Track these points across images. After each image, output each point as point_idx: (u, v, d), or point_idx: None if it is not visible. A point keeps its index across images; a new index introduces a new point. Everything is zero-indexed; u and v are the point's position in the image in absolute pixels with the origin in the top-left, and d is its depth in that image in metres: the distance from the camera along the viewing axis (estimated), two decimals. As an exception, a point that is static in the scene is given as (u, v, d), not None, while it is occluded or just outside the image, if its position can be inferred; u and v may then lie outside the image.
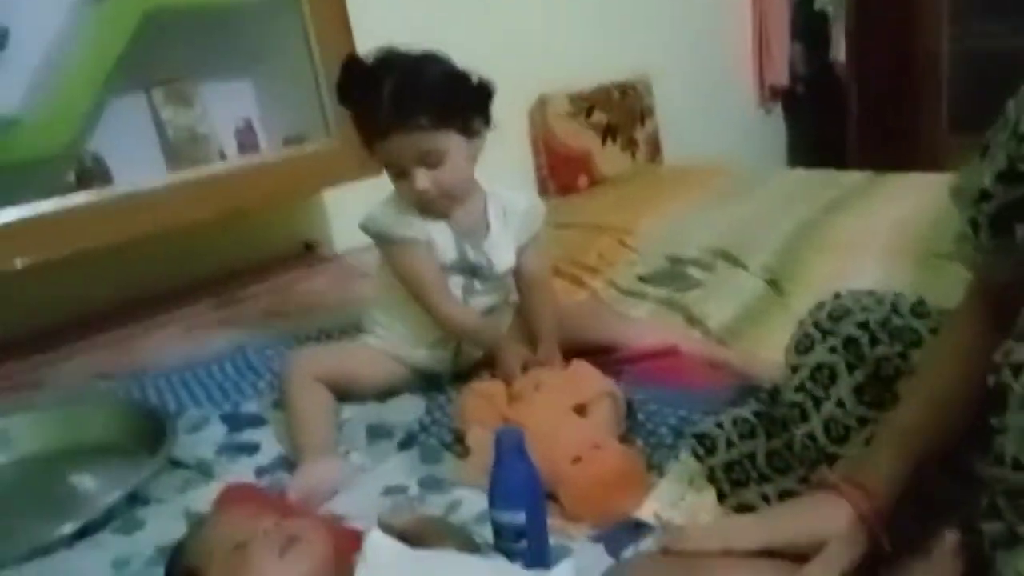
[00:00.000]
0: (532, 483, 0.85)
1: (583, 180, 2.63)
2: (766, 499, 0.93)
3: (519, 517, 0.83)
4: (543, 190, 2.60)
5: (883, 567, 0.81)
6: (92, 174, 1.69)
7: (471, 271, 1.31)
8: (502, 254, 1.33)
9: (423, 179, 1.21)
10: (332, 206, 2.19)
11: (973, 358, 0.77)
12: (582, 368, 1.19)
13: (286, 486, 1.10)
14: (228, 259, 2.04)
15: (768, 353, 1.36)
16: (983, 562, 0.69)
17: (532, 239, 1.37)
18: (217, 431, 1.29)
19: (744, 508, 0.93)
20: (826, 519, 0.75)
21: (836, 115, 3.34)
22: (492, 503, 0.85)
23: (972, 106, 3.20)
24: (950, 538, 0.71)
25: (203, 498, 1.10)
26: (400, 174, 1.23)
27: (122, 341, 1.74)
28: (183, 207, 1.70)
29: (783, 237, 1.89)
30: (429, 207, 1.26)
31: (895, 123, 3.25)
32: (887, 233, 1.84)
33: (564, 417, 1.06)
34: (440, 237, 1.29)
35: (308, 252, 2.19)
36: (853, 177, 2.32)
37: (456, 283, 1.31)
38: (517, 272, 1.38)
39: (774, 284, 1.66)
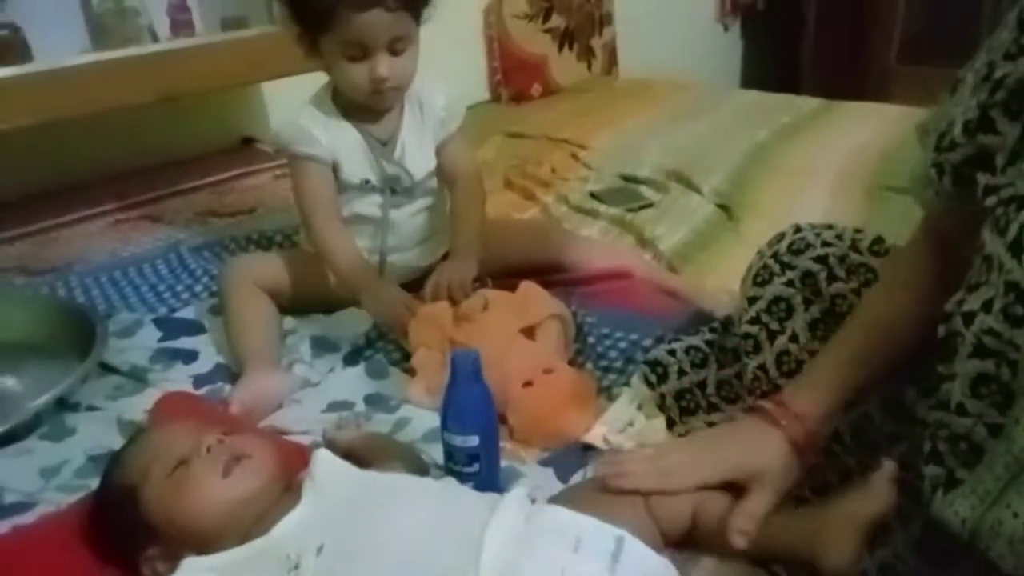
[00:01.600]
0: (486, 407, 0.83)
1: (536, 88, 2.56)
2: (712, 427, 0.95)
3: (472, 441, 0.82)
4: (495, 96, 2.52)
5: (820, 496, 0.84)
6: (9, 47, 1.54)
7: (389, 185, 1.24)
8: (417, 159, 1.25)
9: (385, 65, 1.14)
10: (272, 98, 2.07)
11: (915, 294, 0.78)
12: (531, 290, 1.17)
13: (228, 398, 1.06)
14: (158, 150, 1.92)
15: (717, 278, 1.37)
16: (920, 501, 0.72)
17: (451, 136, 1.28)
18: (150, 336, 1.23)
19: (692, 436, 0.94)
20: (760, 448, 0.76)
21: (793, 36, 3.30)
22: (445, 426, 0.83)
23: (924, 38, 3.21)
24: (888, 466, 0.73)
25: (137, 406, 1.06)
26: (358, 57, 1.14)
27: (40, 234, 1.64)
28: (108, 89, 1.57)
29: (736, 161, 1.88)
30: (375, 99, 1.18)
31: (849, 48, 3.24)
32: (838, 162, 1.84)
33: (513, 340, 1.04)
34: (352, 154, 1.21)
35: (246, 147, 2.08)
36: (807, 103, 2.31)
37: (375, 200, 1.24)
38: (441, 173, 1.30)
39: (726, 209, 1.66)
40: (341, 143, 1.21)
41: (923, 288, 0.78)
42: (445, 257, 1.29)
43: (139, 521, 0.76)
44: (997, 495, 0.64)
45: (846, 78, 3.12)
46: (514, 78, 2.52)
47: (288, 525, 0.73)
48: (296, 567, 0.69)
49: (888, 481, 0.72)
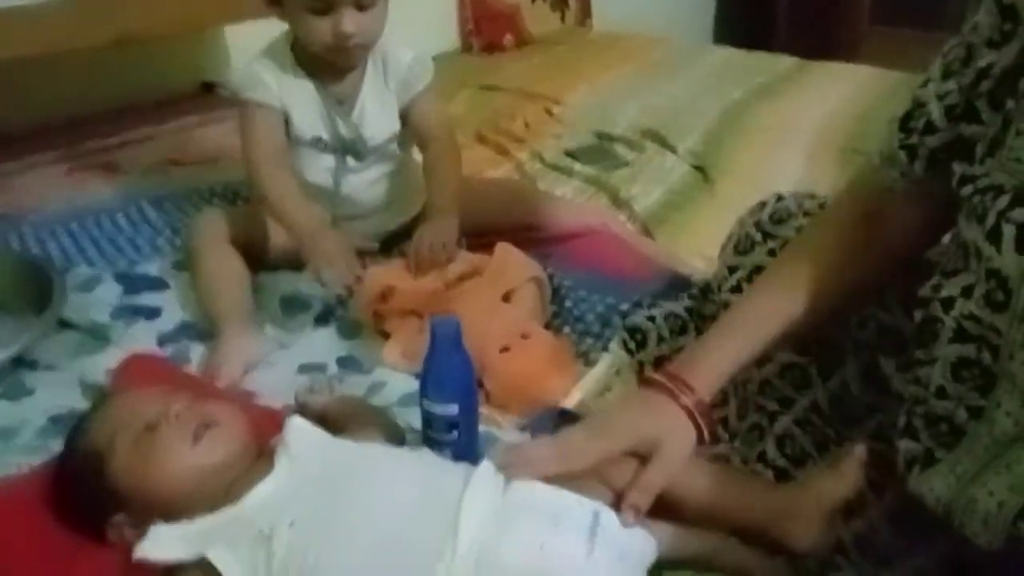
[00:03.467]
0: (467, 375, 0.82)
1: (509, 39, 2.49)
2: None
3: (452, 409, 0.80)
4: (467, 47, 2.45)
5: (797, 466, 0.84)
6: (-47, -17, 1.44)
7: (342, 147, 1.19)
8: (376, 122, 1.19)
9: (350, 21, 1.07)
10: (234, 42, 1.98)
11: (830, 260, 0.77)
12: (508, 253, 1.14)
13: (204, 364, 1.03)
14: (114, 95, 1.83)
15: (691, 240, 1.37)
16: (895, 474, 0.72)
17: (419, 95, 1.21)
18: (111, 291, 1.19)
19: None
20: (656, 418, 0.75)
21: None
22: (424, 394, 0.82)
23: (896, 0, 3.20)
24: (858, 450, 0.73)
25: (99, 365, 1.02)
26: (322, 11, 1.07)
27: (-10, 179, 1.56)
28: (62, 31, 1.49)
29: (711, 121, 1.86)
30: (337, 56, 1.12)
31: (823, 8, 3.21)
32: (813, 125, 1.83)
33: (493, 306, 1.03)
34: (305, 108, 1.15)
35: (207, 94, 2.00)
36: (782, 62, 2.29)
37: (326, 164, 1.19)
38: (411, 134, 1.24)
39: (701, 171, 1.64)
40: (294, 95, 1.15)
41: (836, 254, 0.77)
42: (412, 222, 1.25)
43: (105, 488, 0.73)
44: (974, 474, 0.65)
45: (819, 37, 3.11)
46: (486, 28, 2.46)
47: (260, 495, 0.71)
48: (269, 539, 0.67)
49: (858, 465, 0.72)
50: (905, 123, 0.70)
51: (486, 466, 0.74)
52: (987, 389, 0.63)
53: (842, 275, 0.76)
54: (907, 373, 0.73)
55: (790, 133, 1.81)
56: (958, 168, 0.65)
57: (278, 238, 1.20)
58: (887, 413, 0.77)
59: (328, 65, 1.14)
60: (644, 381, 0.79)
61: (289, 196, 1.12)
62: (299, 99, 1.15)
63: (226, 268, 1.13)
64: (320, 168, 1.19)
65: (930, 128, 0.69)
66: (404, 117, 1.22)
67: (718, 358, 0.76)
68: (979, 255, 0.62)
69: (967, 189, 0.64)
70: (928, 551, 0.72)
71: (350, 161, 1.21)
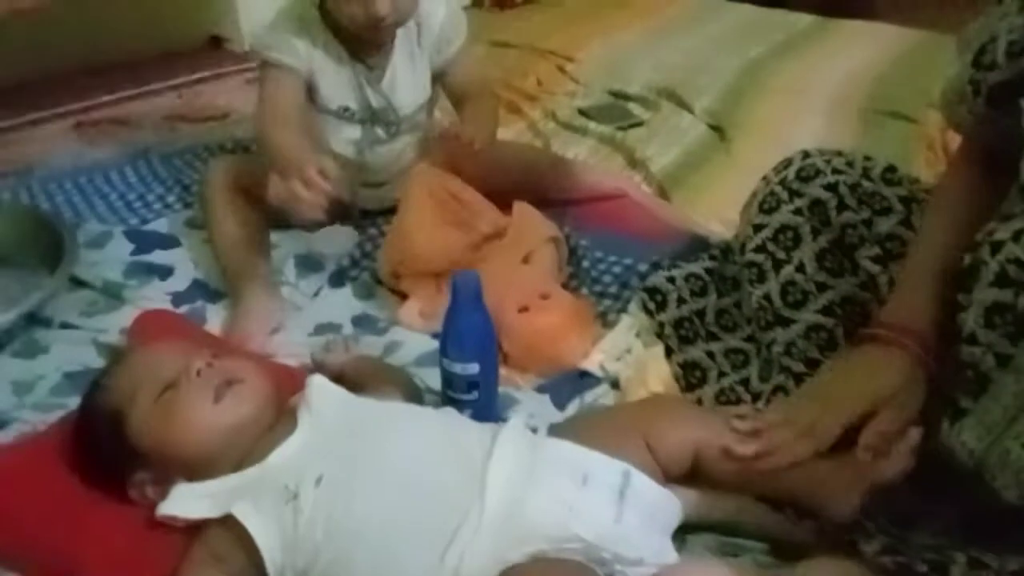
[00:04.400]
0: (487, 334, 0.81)
1: (520, -7, 2.43)
2: (711, 356, 0.93)
3: (472, 368, 0.80)
4: (477, 2, 2.39)
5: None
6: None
7: (371, 118, 1.15)
8: (408, 91, 1.16)
9: (384, 3, 1.03)
10: (241, -5, 1.94)
11: (970, 222, 0.74)
12: (525, 213, 1.12)
13: (228, 331, 1.01)
14: (120, 47, 1.80)
15: (709, 202, 1.34)
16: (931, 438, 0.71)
17: (454, 55, 1.17)
18: (122, 249, 1.17)
19: (690, 365, 0.93)
20: (887, 372, 0.74)
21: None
22: (444, 352, 0.81)
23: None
24: (913, 433, 0.72)
25: (114, 324, 1.02)
26: None
27: (-1, 133, 1.54)
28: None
29: (729, 79, 1.82)
30: (371, 34, 1.09)
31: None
32: (832, 84, 1.79)
33: (512, 267, 1.01)
34: (334, 75, 1.11)
35: (214, 47, 1.96)
36: (801, 19, 2.23)
37: (351, 135, 1.15)
38: (448, 92, 1.21)
39: (718, 130, 1.61)
40: (323, 61, 1.10)
41: (976, 214, 0.74)
42: None
43: (126, 446, 0.73)
44: (1005, 426, 0.64)
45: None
46: (497, -18, 2.40)
47: (285, 453, 0.71)
48: (295, 497, 0.67)
49: (910, 447, 0.71)
50: (978, 58, 0.68)
51: (515, 423, 0.74)
52: (1017, 337, 0.62)
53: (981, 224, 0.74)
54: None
55: (809, 93, 1.76)
56: None
57: None
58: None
59: (359, 38, 1.10)
60: (861, 337, 0.78)
61: (289, 137, 1.04)
62: (329, 67, 1.11)
63: (243, 225, 1.10)
64: (344, 139, 1.16)
65: (992, 64, 0.67)
66: (436, 78, 1.18)
67: (924, 300, 0.75)
68: None
69: None
70: (943, 514, 0.71)
71: (379, 132, 1.17)
